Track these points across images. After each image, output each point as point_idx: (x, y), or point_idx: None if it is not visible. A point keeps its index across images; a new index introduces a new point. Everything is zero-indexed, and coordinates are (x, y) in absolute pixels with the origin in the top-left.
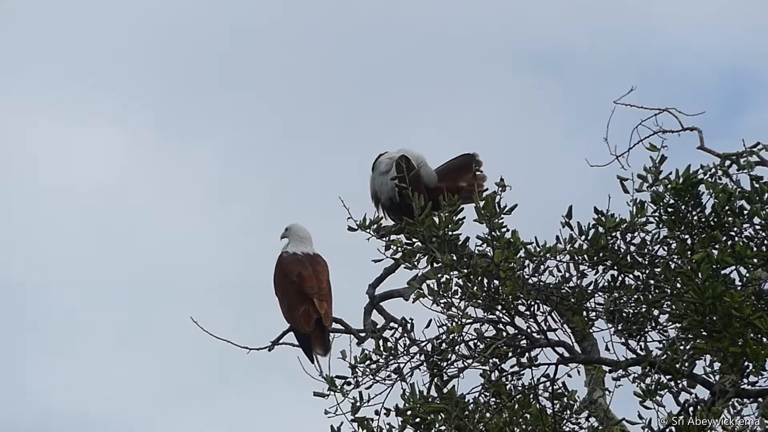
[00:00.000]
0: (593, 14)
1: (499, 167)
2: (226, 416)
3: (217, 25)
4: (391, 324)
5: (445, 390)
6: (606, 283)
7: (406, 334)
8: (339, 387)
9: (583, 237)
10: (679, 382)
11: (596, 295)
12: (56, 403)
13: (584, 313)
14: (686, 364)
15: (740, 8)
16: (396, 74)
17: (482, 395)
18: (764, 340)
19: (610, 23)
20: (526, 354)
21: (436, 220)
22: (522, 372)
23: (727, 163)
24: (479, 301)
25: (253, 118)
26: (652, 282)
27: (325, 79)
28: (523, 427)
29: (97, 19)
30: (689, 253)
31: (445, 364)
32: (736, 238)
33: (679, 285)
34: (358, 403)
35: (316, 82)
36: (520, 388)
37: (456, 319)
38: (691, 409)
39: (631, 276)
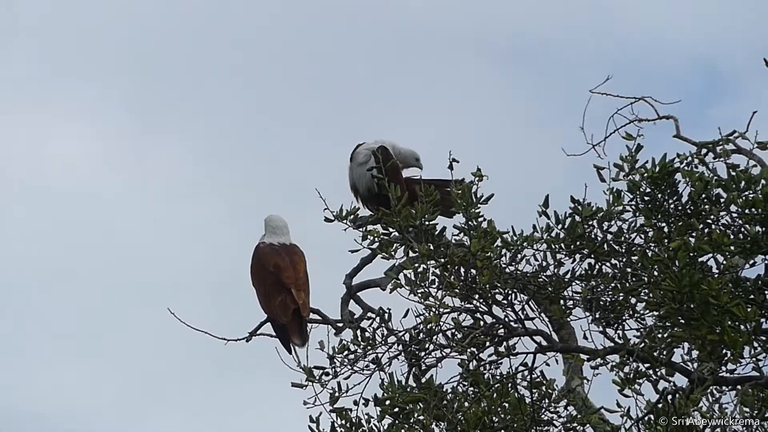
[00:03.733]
0: (566, 6)
1: (476, 157)
2: (205, 408)
3: (195, 16)
4: (369, 314)
5: (423, 379)
6: (583, 272)
7: (383, 324)
8: (317, 377)
9: (559, 226)
10: (657, 370)
11: (573, 283)
12: (23, 401)
13: (562, 301)
14: (664, 352)
15: None
16: (372, 68)
17: (460, 384)
18: (742, 327)
19: (583, 14)
20: (504, 343)
21: (413, 210)
22: (500, 361)
23: (704, 151)
24: (456, 290)
25: (229, 111)
26: (629, 270)
27: (301, 72)
28: (502, 416)
29: (72, 12)
30: (666, 241)
31: (423, 353)
32: (713, 226)
33: (656, 273)
34: (337, 394)
35: (292, 75)
36: (498, 377)
37: (433, 309)
38: (669, 397)
39: (608, 264)
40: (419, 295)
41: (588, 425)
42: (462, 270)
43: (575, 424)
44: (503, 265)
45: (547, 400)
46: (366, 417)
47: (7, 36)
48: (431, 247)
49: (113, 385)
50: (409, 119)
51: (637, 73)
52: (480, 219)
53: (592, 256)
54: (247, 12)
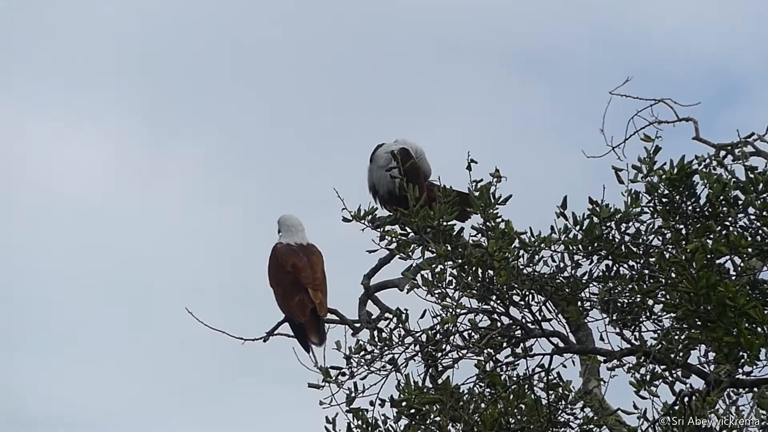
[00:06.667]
0: (585, 12)
1: (495, 158)
2: (221, 408)
3: (208, 24)
4: (386, 314)
5: (439, 381)
6: (600, 273)
7: (400, 325)
8: (334, 378)
9: (577, 227)
10: (673, 372)
11: (591, 285)
12: (39, 404)
13: (579, 303)
14: (681, 354)
15: (732, 3)
16: (390, 73)
17: (477, 386)
18: (759, 329)
19: (602, 21)
20: (521, 344)
21: (431, 210)
22: (517, 362)
23: (722, 153)
24: (473, 291)
25: (244, 116)
26: (646, 272)
27: (318, 78)
28: (518, 417)
29: (84, 19)
30: (684, 242)
31: (439, 354)
32: (731, 228)
33: (673, 275)
34: (353, 394)
35: (308, 81)
36: (514, 379)
37: (450, 310)
38: (686, 399)
39: (625, 266)
40: (436, 295)
41: (605, 427)
42: (479, 271)
43: (592, 426)
44: (521, 266)
45: (563, 402)
46: (382, 418)
47: (22, 43)
48: (449, 248)
49: (129, 386)
50: (429, 123)
51: (655, 78)
52: (498, 220)
53: (610, 257)
54: (262, 17)
